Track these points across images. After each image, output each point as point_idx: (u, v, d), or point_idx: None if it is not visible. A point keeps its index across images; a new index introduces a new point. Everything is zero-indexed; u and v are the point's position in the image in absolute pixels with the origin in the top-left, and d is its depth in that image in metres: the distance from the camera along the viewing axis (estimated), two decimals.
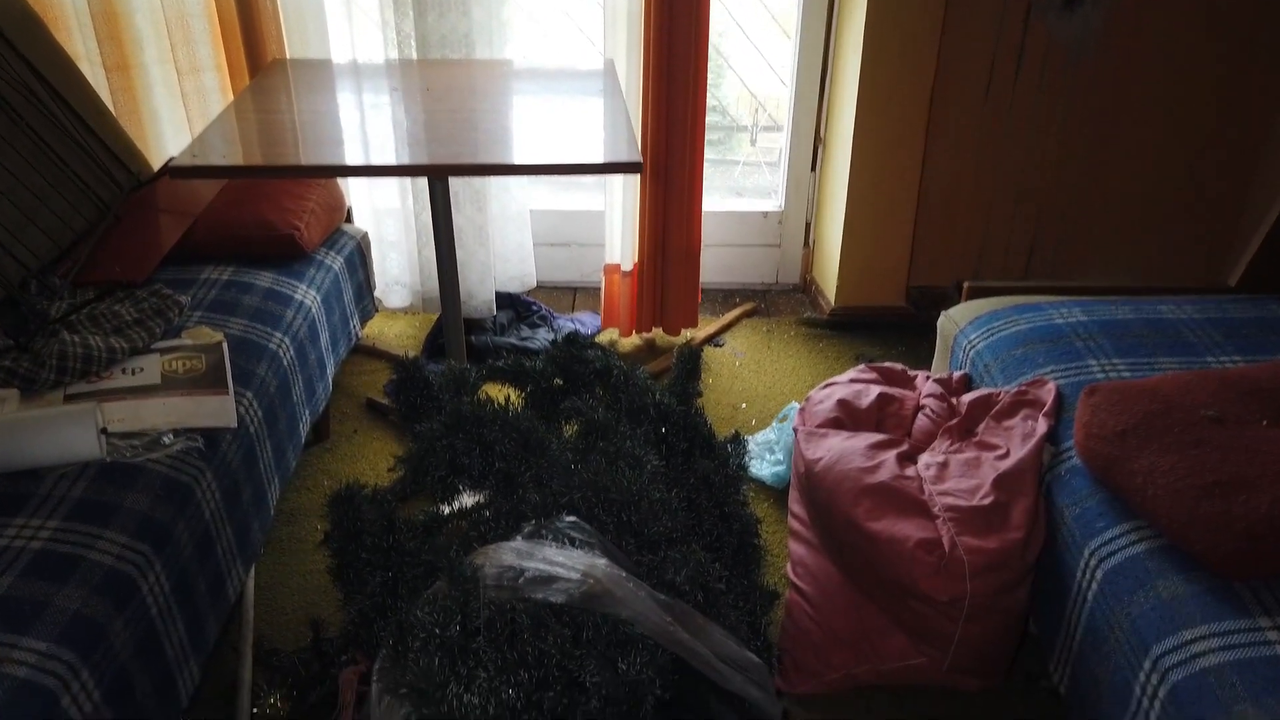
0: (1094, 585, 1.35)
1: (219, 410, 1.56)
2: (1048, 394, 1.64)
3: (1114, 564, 1.34)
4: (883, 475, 1.62)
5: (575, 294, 2.95)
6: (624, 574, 1.36)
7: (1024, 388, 1.68)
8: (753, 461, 2.16)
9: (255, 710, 1.57)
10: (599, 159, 1.69)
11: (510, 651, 1.26)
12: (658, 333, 2.72)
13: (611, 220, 2.54)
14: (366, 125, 1.83)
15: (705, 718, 1.47)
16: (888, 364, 2.00)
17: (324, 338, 2.01)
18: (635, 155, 1.62)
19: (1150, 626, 1.23)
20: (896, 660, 1.61)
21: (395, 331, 2.75)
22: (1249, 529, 1.22)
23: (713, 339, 2.73)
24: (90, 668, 1.17)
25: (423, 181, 2.46)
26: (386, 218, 2.62)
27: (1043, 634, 1.52)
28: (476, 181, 2.50)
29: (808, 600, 1.72)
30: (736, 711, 1.49)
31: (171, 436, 1.49)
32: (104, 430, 1.42)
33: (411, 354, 2.00)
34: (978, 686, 1.62)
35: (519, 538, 1.39)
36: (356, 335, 2.24)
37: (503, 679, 1.23)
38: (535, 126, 1.85)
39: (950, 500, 1.55)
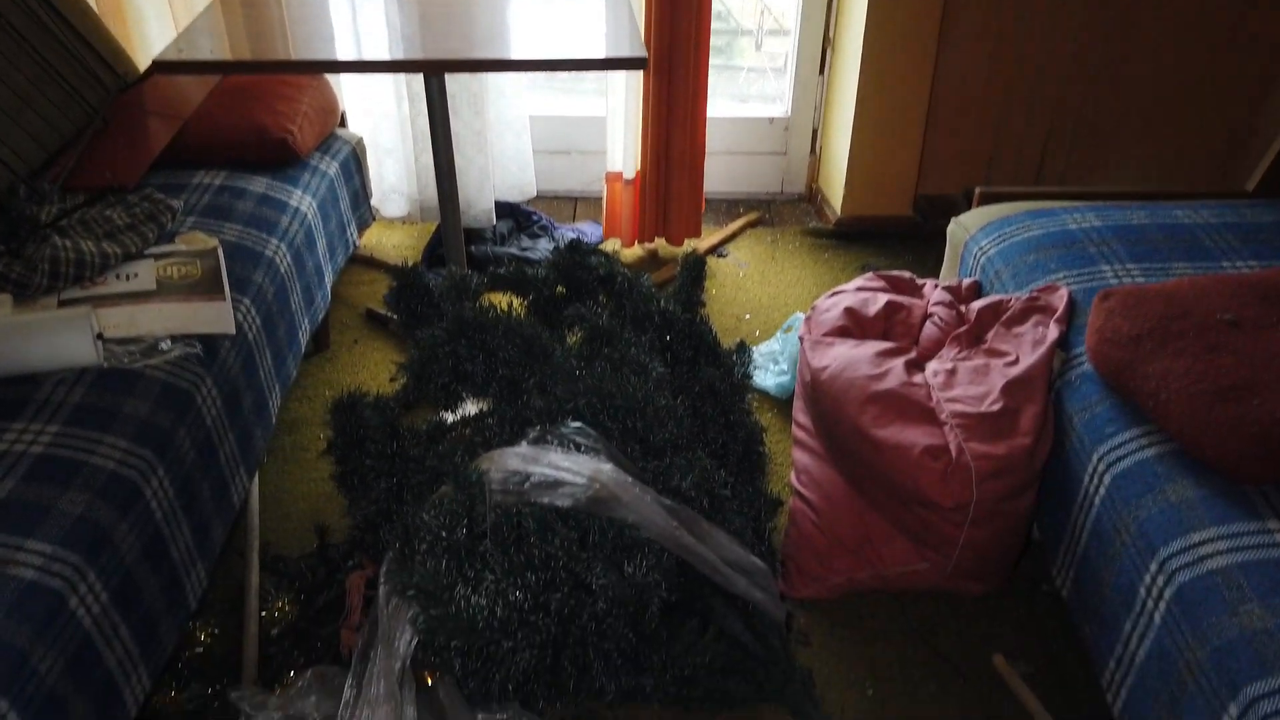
0: (1101, 490, 1.35)
1: (216, 316, 1.54)
2: (1060, 300, 1.61)
3: (1123, 468, 1.33)
4: (890, 382, 1.61)
5: (576, 204, 2.90)
6: (630, 479, 1.35)
7: (1036, 294, 1.65)
8: (757, 372, 2.15)
9: (263, 614, 1.59)
10: (601, 54, 1.62)
11: (517, 554, 1.26)
12: (660, 243, 2.68)
13: (613, 126, 2.47)
14: (358, 21, 1.76)
15: (710, 620, 1.49)
16: (895, 272, 1.97)
17: (321, 245, 1.97)
18: (639, 50, 1.56)
19: (1158, 530, 1.23)
20: (899, 565, 1.62)
21: (393, 242, 2.70)
22: (1263, 433, 1.21)
23: (716, 249, 2.69)
24: (97, 570, 1.17)
25: (418, 84, 2.39)
26: (382, 123, 2.54)
27: (1046, 539, 1.53)
28: (474, 85, 2.42)
29: (811, 507, 1.73)
30: (740, 614, 1.50)
31: (169, 343, 1.47)
32: (100, 335, 1.40)
33: (411, 262, 1.96)
34: (980, 591, 1.63)
35: (524, 443, 1.38)
36: (354, 243, 2.20)
37: (510, 581, 1.23)
38: (535, 22, 1.78)
39: (958, 407, 1.54)
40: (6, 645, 1.04)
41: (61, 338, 1.35)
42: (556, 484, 1.31)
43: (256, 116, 1.96)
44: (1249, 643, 1.07)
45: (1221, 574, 1.14)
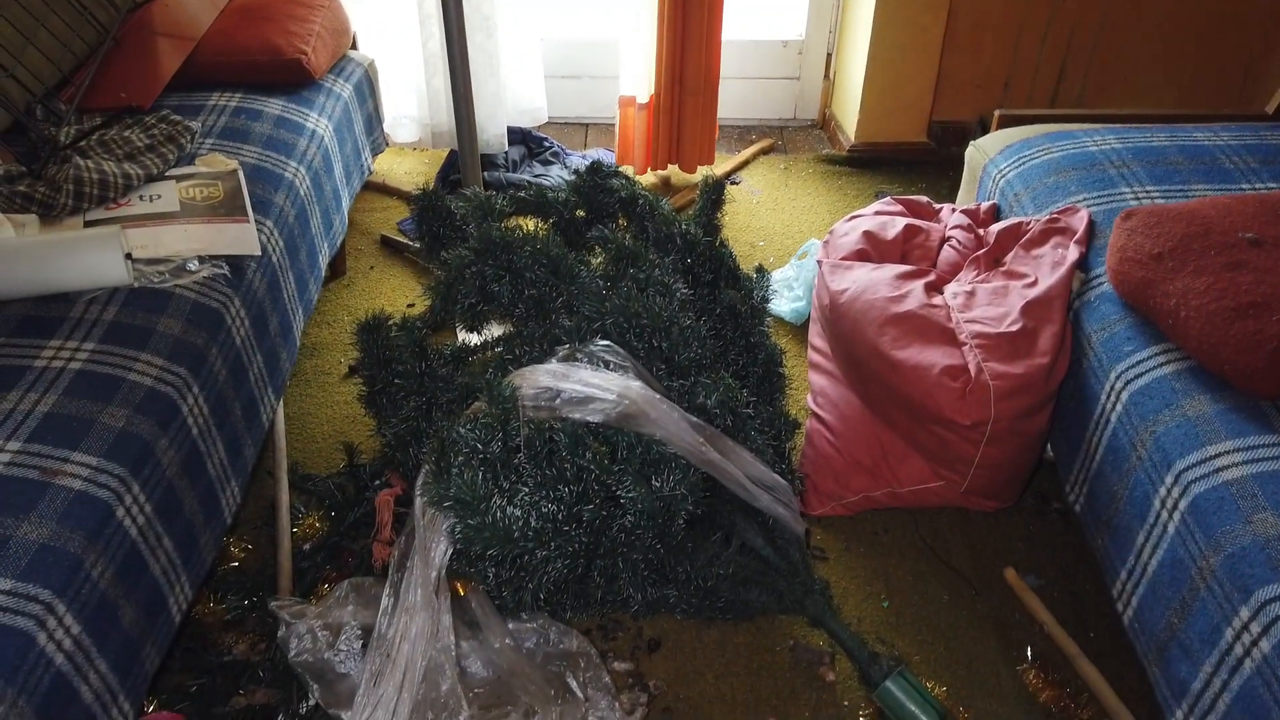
0: (1118, 407, 1.37)
1: (241, 237, 1.54)
2: (1079, 221, 1.62)
3: (1140, 385, 1.35)
4: (909, 304, 1.62)
5: (587, 130, 2.87)
6: (658, 396, 1.38)
7: (1055, 215, 1.66)
8: (772, 298, 2.15)
9: (295, 530, 1.62)
10: None
11: (549, 468, 1.29)
12: (673, 170, 2.66)
13: (626, 48, 2.44)
14: None
15: (732, 534, 1.53)
16: (912, 197, 1.97)
17: (338, 169, 1.97)
18: None
19: (1174, 444, 1.26)
20: (914, 484, 1.66)
21: (405, 168, 2.68)
22: None
23: (729, 176, 2.67)
24: (140, 482, 1.20)
25: (430, 5, 2.35)
26: (392, 47, 2.51)
27: (1060, 456, 1.56)
28: (485, 6, 2.38)
29: (828, 428, 1.76)
30: (762, 529, 1.54)
31: (197, 263, 1.48)
32: (129, 255, 1.41)
33: (430, 185, 1.96)
34: (993, 508, 1.67)
35: (554, 360, 1.40)
36: (369, 168, 2.19)
37: (543, 493, 1.26)
38: None
39: (977, 327, 1.55)
40: (62, 552, 1.07)
41: (93, 257, 1.36)
42: (587, 400, 1.33)
43: (269, 37, 1.94)
44: (1262, 549, 1.10)
45: (1236, 485, 1.17)
